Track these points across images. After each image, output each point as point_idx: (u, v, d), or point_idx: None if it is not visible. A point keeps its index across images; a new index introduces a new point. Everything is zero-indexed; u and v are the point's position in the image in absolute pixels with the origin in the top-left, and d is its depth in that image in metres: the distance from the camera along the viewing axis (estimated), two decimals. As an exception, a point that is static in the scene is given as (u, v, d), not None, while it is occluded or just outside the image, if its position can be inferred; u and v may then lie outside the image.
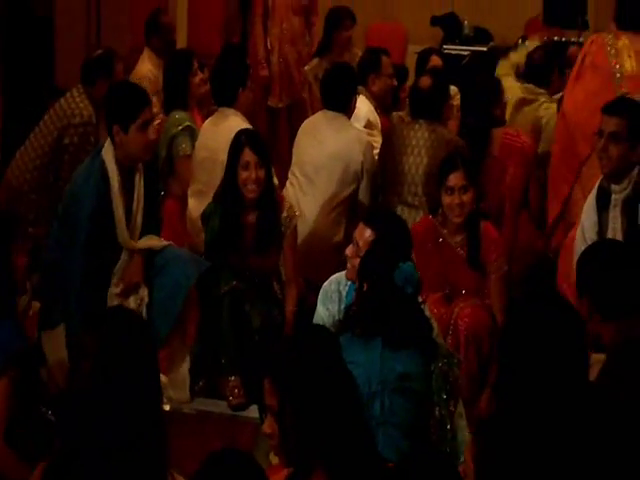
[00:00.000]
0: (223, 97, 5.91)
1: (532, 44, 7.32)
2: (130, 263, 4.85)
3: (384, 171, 5.87)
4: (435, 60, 7.20)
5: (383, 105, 6.57)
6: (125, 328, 2.85)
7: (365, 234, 4.05)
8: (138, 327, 2.90)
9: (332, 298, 4.38)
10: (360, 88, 6.31)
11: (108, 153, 4.75)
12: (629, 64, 5.44)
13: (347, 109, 5.95)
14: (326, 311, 4.36)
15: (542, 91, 6.69)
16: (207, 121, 5.99)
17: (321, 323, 4.28)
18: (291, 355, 2.85)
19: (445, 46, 8.80)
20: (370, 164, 5.86)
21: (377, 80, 6.53)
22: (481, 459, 2.83)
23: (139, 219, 4.85)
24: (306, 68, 7.50)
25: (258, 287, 5.05)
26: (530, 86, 6.74)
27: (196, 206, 5.75)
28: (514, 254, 5.55)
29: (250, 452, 2.60)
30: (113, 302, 4.76)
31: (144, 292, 4.88)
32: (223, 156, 5.35)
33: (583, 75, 5.60)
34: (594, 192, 4.80)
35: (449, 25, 9.38)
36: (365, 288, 3.77)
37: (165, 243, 4.98)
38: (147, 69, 7.14)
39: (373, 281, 3.75)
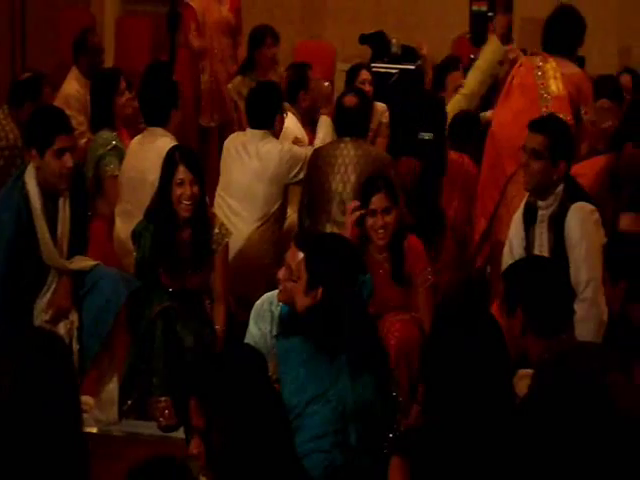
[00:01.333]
0: (154, 117, 5.88)
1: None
2: (58, 288, 4.80)
3: (311, 190, 5.87)
4: (364, 74, 7.24)
5: (312, 121, 6.56)
6: (43, 350, 2.81)
7: (297, 257, 4.06)
8: (57, 349, 2.86)
9: (264, 317, 4.38)
10: (287, 105, 6.32)
11: (30, 176, 4.72)
12: (555, 86, 5.59)
13: (272, 127, 5.95)
14: (258, 330, 4.36)
15: None
16: (134, 141, 5.95)
17: (253, 342, 4.28)
18: (217, 374, 2.83)
19: (373, 64, 8.81)
20: (293, 177, 5.88)
21: (306, 96, 6.54)
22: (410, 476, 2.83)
23: (65, 242, 4.80)
24: (229, 86, 7.50)
25: (190, 305, 5.03)
26: None
27: (123, 227, 5.70)
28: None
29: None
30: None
31: (74, 316, 4.83)
32: (152, 176, 5.32)
33: (511, 95, 5.73)
34: (521, 208, 4.86)
35: (377, 43, 9.39)
36: (320, 296, 3.76)
37: (94, 263, 4.93)
38: (74, 89, 7.10)
39: (329, 288, 3.75)
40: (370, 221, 4.99)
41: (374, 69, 8.16)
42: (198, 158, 5.24)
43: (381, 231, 4.97)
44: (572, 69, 5.72)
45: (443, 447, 2.78)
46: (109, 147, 6.00)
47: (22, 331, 3.78)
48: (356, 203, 5.16)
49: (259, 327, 4.37)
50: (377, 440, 3.71)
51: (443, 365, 2.89)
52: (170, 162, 5.01)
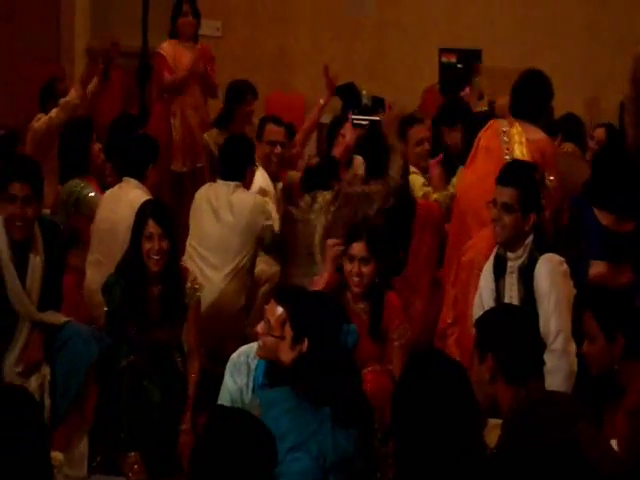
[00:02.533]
0: (130, 170, 5.89)
1: None
2: (30, 341, 4.77)
3: (284, 244, 5.90)
4: (348, 127, 7.20)
5: (268, 170, 6.59)
6: (14, 406, 2.78)
7: (276, 312, 4.06)
8: (27, 405, 2.84)
9: (240, 370, 4.35)
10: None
11: None
12: (519, 150, 5.63)
13: (243, 178, 5.98)
14: (234, 384, 4.33)
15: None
16: (108, 192, 5.95)
17: (228, 395, 4.27)
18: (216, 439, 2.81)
19: (347, 114, 8.87)
20: (271, 230, 5.89)
21: (259, 146, 6.57)
22: None
23: (35, 292, 4.78)
24: (205, 136, 7.52)
25: (158, 360, 4.99)
26: None
27: (94, 277, 5.68)
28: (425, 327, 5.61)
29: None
30: (14, 381, 4.65)
31: (46, 370, 4.80)
32: (122, 227, 5.30)
33: (477, 158, 5.77)
34: (491, 260, 4.88)
35: (348, 94, 9.48)
36: (306, 347, 3.74)
37: (65, 319, 4.91)
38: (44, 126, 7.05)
39: (315, 339, 3.74)
40: (348, 267, 4.99)
41: (353, 120, 8.20)
42: (169, 212, 5.20)
43: (356, 279, 4.96)
44: (537, 134, 5.72)
45: None
46: (80, 188, 6.01)
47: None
48: (335, 240, 5.16)
49: (235, 380, 4.34)
50: None
51: (411, 415, 2.90)
52: (141, 216, 5.01)
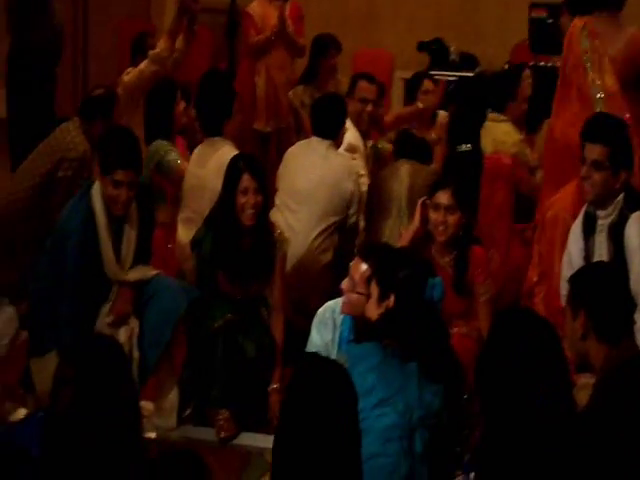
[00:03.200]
0: (210, 128, 5.93)
1: None
2: (119, 295, 4.85)
3: (372, 201, 5.90)
4: (427, 84, 7.21)
5: (358, 128, 6.56)
6: (103, 357, 2.85)
7: (361, 268, 4.06)
8: (116, 355, 2.90)
9: (327, 326, 4.38)
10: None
11: (96, 192, 4.77)
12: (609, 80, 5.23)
13: (336, 137, 5.98)
14: (320, 339, 4.36)
15: (504, 117, 6.61)
16: (197, 149, 5.99)
17: (314, 350, 4.28)
18: (300, 391, 2.84)
19: (432, 72, 8.80)
20: (358, 191, 5.89)
21: (351, 103, 6.55)
22: None
23: (130, 255, 4.86)
24: (290, 94, 7.52)
25: (251, 315, 5.02)
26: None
27: (185, 233, 5.75)
28: (505, 280, 5.55)
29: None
30: (104, 332, 4.74)
31: (134, 323, 4.87)
32: (212, 183, 5.34)
33: (569, 95, 5.49)
34: (580, 218, 4.81)
35: (435, 51, 9.40)
36: (392, 303, 3.75)
37: (154, 272, 4.97)
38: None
39: (401, 294, 3.75)
40: (433, 215, 4.96)
41: (435, 76, 8.14)
42: (261, 166, 5.22)
43: (441, 228, 4.93)
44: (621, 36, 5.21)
45: (504, 461, 2.77)
46: (164, 151, 6.06)
47: (84, 339, 3.86)
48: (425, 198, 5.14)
49: (321, 336, 4.37)
50: (442, 452, 3.68)
51: (500, 374, 2.89)
52: (234, 170, 5.00)
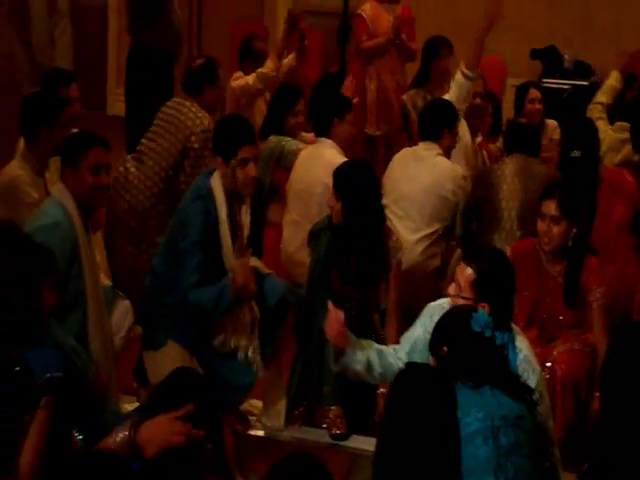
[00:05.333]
0: (318, 127, 5.99)
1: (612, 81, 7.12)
2: (237, 268, 4.74)
3: (479, 207, 5.86)
4: (533, 93, 7.17)
5: (468, 125, 6.53)
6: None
7: (466, 273, 4.03)
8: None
9: (432, 319, 4.31)
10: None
11: (216, 182, 4.80)
12: None
13: (442, 139, 5.94)
14: (423, 332, 4.22)
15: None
16: (303, 153, 6.04)
17: (411, 339, 4.23)
18: (402, 396, 2.84)
19: (545, 79, 8.72)
20: (464, 192, 5.85)
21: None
22: None
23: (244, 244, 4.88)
24: (404, 97, 7.52)
25: (358, 318, 5.00)
26: (624, 124, 6.60)
27: (291, 238, 5.79)
28: (620, 295, 5.45)
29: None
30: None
31: (256, 309, 4.85)
32: (318, 189, 5.37)
33: None
34: None
35: (549, 58, 9.31)
36: (444, 352, 3.67)
37: (268, 271, 5.01)
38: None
39: (452, 340, 3.67)
40: (539, 224, 4.89)
41: (545, 84, 8.08)
42: (371, 171, 5.22)
43: (546, 238, 4.86)
44: None
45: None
46: (284, 141, 6.14)
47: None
48: None
49: (424, 328, 4.27)
50: (534, 451, 3.58)
51: (623, 392, 2.84)
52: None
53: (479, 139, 6.74)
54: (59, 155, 4.72)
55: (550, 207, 4.85)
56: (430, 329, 3.89)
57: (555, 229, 4.83)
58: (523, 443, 3.49)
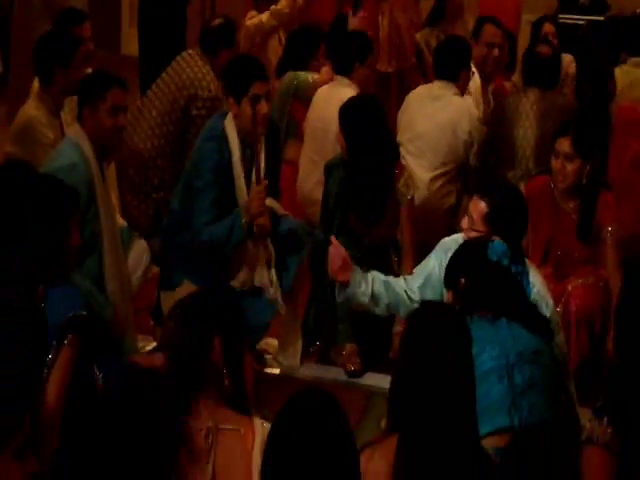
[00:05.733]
0: (340, 67, 5.96)
1: None
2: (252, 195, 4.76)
3: (495, 144, 5.84)
4: (548, 27, 7.11)
5: (482, 72, 6.50)
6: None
7: (479, 206, 4.04)
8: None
9: (447, 253, 4.31)
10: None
11: (229, 123, 4.80)
12: None
13: (458, 80, 5.93)
14: (437, 265, 4.21)
15: None
16: (320, 90, 6.02)
17: (425, 272, 4.24)
18: (417, 333, 2.88)
19: (560, 15, 8.64)
20: (479, 134, 5.84)
21: (476, 47, 6.47)
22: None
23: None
24: (417, 36, 7.47)
25: (373, 255, 5.03)
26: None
27: (307, 176, 5.80)
28: (637, 230, 5.45)
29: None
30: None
31: (271, 248, 4.86)
32: (335, 127, 5.36)
33: None
34: None
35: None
36: (462, 284, 3.69)
37: (284, 212, 5.03)
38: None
39: (470, 271, 3.69)
40: (553, 162, 4.88)
41: (561, 20, 8.01)
42: (380, 108, 5.22)
43: (560, 176, 4.86)
44: None
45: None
46: (300, 75, 6.18)
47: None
48: None
49: (440, 261, 4.22)
50: (551, 386, 3.61)
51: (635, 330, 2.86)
52: None
53: (491, 87, 6.70)
54: (75, 95, 4.72)
55: (564, 145, 4.84)
56: (444, 264, 3.91)
57: (569, 167, 4.83)
58: (538, 380, 3.51)
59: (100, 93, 4.43)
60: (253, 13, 7.32)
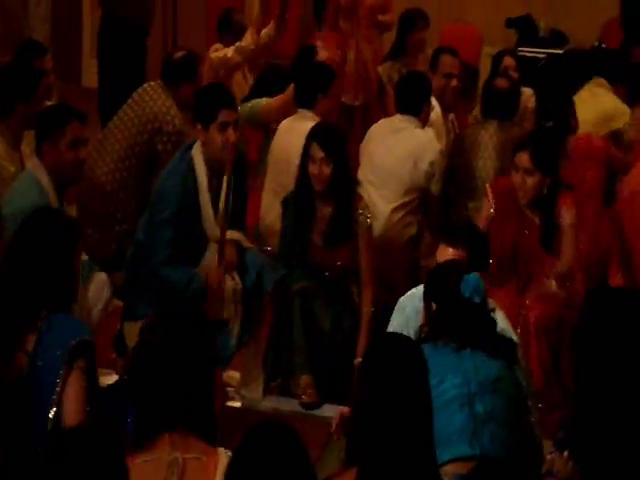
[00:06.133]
0: (302, 100, 5.98)
1: None
2: (223, 245, 4.80)
3: (455, 175, 5.89)
4: (508, 61, 7.18)
5: (442, 103, 6.54)
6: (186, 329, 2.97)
7: (447, 253, 4.09)
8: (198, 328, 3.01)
9: (405, 312, 4.33)
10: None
11: (197, 151, 4.82)
12: None
13: (420, 114, 5.97)
14: (397, 322, 4.28)
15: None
16: (284, 122, 6.03)
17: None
18: (374, 364, 2.89)
19: (520, 48, 8.73)
20: (441, 165, 5.86)
21: (434, 77, 6.53)
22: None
23: (223, 217, 4.89)
24: (380, 69, 7.52)
25: (330, 288, 5.06)
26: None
27: (269, 206, 5.80)
28: (592, 260, 5.51)
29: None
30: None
31: (237, 279, 4.87)
32: (297, 160, 5.38)
33: None
34: None
35: (524, 27, 9.32)
36: (434, 308, 3.75)
37: (248, 245, 5.03)
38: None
39: (441, 301, 3.74)
40: (513, 176, 4.95)
41: (520, 53, 8.08)
42: (337, 135, 5.19)
43: (521, 192, 4.92)
44: None
45: (600, 439, 2.77)
46: (255, 102, 6.23)
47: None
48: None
49: (399, 321, 4.29)
50: (513, 415, 3.62)
51: (595, 352, 2.88)
52: (307, 139, 5.06)
53: (452, 116, 6.76)
54: (33, 129, 4.70)
55: (523, 159, 4.90)
56: (403, 323, 3.96)
57: (529, 181, 4.89)
58: (500, 410, 3.53)
59: (60, 127, 4.42)
60: (218, 46, 7.35)
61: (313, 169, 4.96)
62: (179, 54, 6.08)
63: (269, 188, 5.91)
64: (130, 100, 5.92)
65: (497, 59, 7.25)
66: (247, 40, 7.09)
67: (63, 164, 4.41)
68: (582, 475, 2.88)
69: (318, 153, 4.96)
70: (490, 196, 5.12)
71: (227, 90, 5.05)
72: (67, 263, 3.61)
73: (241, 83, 7.09)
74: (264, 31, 7.21)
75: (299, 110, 5.99)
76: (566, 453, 2.94)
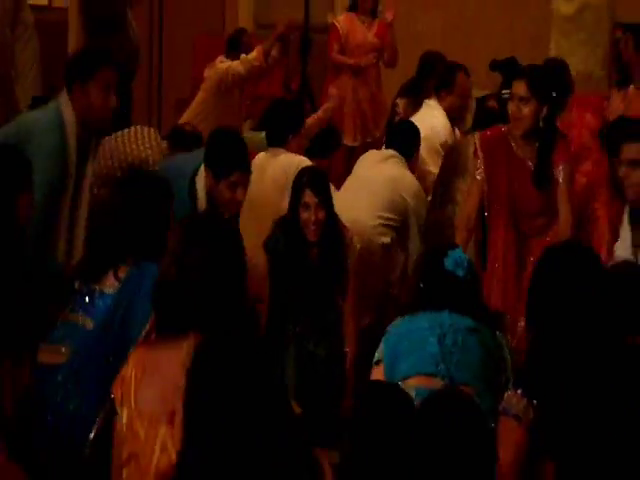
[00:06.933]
0: (273, 139, 5.95)
1: None
2: None
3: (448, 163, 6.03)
4: (491, 104, 7.22)
5: (452, 122, 6.64)
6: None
7: None
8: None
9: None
10: (434, 103, 6.51)
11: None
12: None
13: (412, 162, 6.07)
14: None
15: None
16: (257, 158, 5.90)
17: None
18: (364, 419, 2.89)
19: (504, 91, 8.77)
20: (417, 213, 5.89)
21: (448, 97, 6.56)
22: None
23: None
24: (398, 102, 7.52)
25: (319, 322, 5.05)
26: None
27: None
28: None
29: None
30: None
31: None
32: (271, 197, 5.43)
33: None
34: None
35: (509, 70, 9.35)
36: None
37: None
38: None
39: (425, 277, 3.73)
40: (509, 106, 4.90)
41: (505, 96, 8.10)
42: (326, 180, 5.18)
43: (516, 121, 4.83)
44: None
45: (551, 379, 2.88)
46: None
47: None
48: None
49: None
50: (484, 360, 3.60)
51: (548, 305, 3.03)
52: (298, 184, 5.01)
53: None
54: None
55: (519, 87, 4.85)
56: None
57: (525, 109, 4.83)
58: (472, 349, 3.53)
59: (90, 72, 4.42)
60: (223, 58, 7.49)
61: (308, 215, 4.93)
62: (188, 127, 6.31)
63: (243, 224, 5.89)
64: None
65: (481, 103, 7.28)
66: (253, 55, 7.21)
67: (92, 108, 4.40)
68: (536, 412, 2.93)
69: (312, 200, 4.93)
70: (478, 143, 5.06)
71: (242, 148, 4.85)
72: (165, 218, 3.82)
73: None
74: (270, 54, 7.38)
75: (270, 149, 5.94)
76: (520, 391, 2.96)
